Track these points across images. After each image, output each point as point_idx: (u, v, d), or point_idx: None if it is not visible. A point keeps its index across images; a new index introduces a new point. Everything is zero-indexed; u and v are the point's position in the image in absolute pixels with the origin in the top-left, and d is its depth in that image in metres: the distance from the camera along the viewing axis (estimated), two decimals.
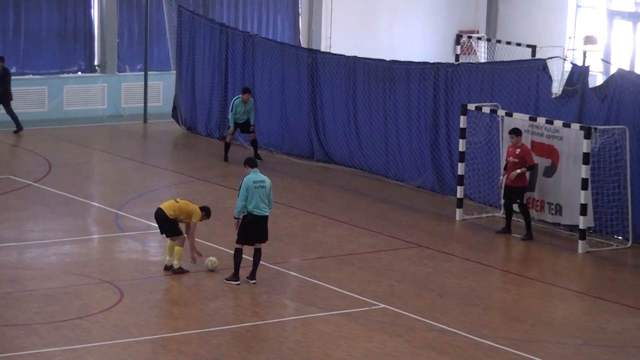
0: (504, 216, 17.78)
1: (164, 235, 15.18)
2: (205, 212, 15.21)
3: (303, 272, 15.47)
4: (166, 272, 15.06)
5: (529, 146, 17.77)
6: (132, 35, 26.83)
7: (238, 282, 14.55)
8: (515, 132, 17.41)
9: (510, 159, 17.37)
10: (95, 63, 26.63)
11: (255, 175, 14.53)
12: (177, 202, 15.16)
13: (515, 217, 17.69)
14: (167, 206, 15.00)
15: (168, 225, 14.97)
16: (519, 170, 17.16)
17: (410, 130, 20.57)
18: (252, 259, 14.70)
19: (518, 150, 17.28)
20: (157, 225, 15.16)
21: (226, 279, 14.61)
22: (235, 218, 14.62)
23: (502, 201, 17.93)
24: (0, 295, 14.02)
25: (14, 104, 24.48)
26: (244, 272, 14.75)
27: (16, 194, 19.01)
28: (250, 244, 14.59)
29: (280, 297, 14.53)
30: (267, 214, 14.53)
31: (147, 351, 12.46)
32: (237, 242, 14.62)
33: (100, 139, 24.24)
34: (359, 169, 21.45)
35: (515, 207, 17.52)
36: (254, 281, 14.64)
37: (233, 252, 14.71)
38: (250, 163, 14.82)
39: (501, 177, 17.63)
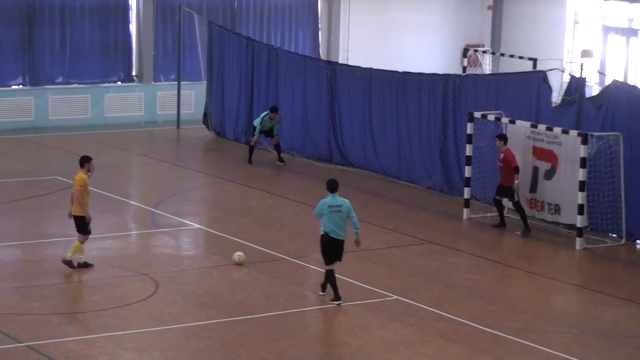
0: (497, 212, 17.76)
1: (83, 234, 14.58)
2: (82, 163, 14.37)
3: (323, 266, 15.40)
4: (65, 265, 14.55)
5: (530, 151, 17.71)
6: (167, 48, 26.86)
7: (339, 302, 13.58)
8: (501, 137, 17.44)
9: (498, 162, 17.47)
10: (133, 73, 26.68)
11: (332, 200, 13.53)
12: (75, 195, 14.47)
13: (513, 215, 17.66)
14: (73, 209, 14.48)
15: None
16: (516, 181, 17.26)
17: (421, 135, 20.50)
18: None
19: (502, 155, 17.34)
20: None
21: (331, 300, 13.65)
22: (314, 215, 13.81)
23: (493, 198, 17.92)
24: (48, 286, 14.06)
25: (60, 112, 24.55)
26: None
27: (62, 193, 19.04)
28: (333, 262, 13.65)
29: (302, 289, 14.50)
30: (342, 238, 13.53)
31: (180, 338, 12.45)
32: (325, 263, 13.72)
33: (138, 143, 24.27)
34: (373, 171, 21.39)
35: (510, 205, 17.52)
36: (323, 293, 13.88)
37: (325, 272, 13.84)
38: (330, 186, 13.62)
39: (516, 182, 17.46)
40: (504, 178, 17.43)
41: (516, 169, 17.35)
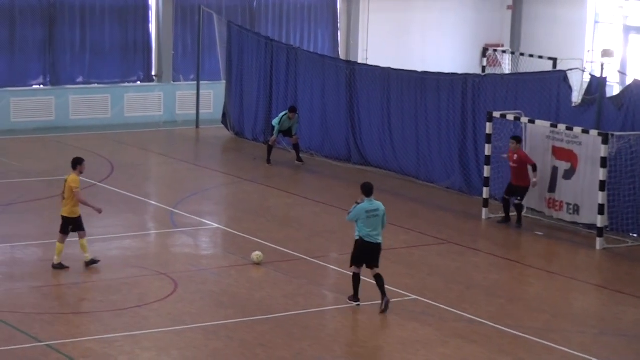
0: (503, 208, 17.85)
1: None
2: (74, 165, 14.59)
3: (341, 266, 15.40)
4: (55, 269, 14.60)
5: (550, 151, 17.64)
6: (186, 48, 26.92)
7: (358, 303, 13.44)
8: (516, 139, 17.47)
9: (511, 163, 17.48)
10: (153, 73, 26.75)
11: (368, 205, 13.23)
12: (64, 196, 14.63)
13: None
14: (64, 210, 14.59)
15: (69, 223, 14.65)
16: (535, 179, 17.36)
17: (440, 135, 20.44)
18: (371, 282, 13.58)
19: (515, 156, 17.36)
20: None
21: (348, 298, 13.54)
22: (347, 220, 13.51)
23: (502, 197, 18.00)
24: (68, 285, 14.11)
25: (81, 112, 24.69)
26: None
27: (83, 192, 19.06)
28: (360, 265, 13.42)
29: (320, 289, 14.49)
30: (379, 241, 13.32)
31: (199, 337, 12.46)
32: (351, 265, 13.46)
33: (157, 142, 24.33)
34: (392, 171, 21.35)
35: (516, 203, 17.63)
36: (357, 303, 13.54)
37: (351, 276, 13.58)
38: (366, 190, 13.33)
39: (504, 155, 17.77)
40: (517, 178, 17.48)
41: (535, 167, 17.31)
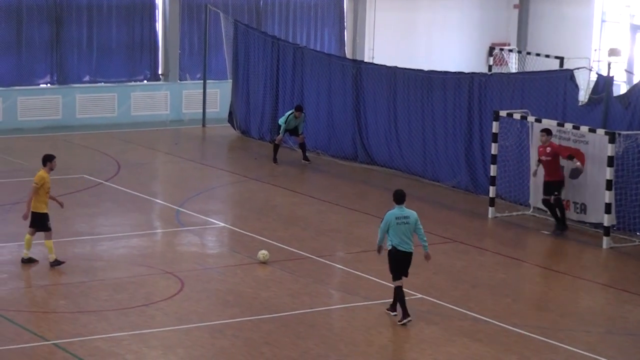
0: (551, 215, 17.29)
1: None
2: (44, 162, 14.62)
3: (347, 265, 15.43)
4: (24, 264, 14.65)
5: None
6: (193, 47, 26.95)
7: (409, 319, 12.87)
8: (547, 131, 17.19)
9: (543, 157, 17.21)
10: (159, 72, 26.79)
11: (399, 211, 12.86)
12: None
13: (542, 214, 17.55)
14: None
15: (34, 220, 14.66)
16: (578, 163, 16.92)
17: (446, 134, 20.43)
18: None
19: (548, 149, 17.12)
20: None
21: (399, 322, 12.91)
22: (378, 246, 13.09)
23: (542, 198, 17.42)
24: (75, 284, 14.13)
25: (87, 110, 24.76)
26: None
27: (89, 191, 19.17)
28: (401, 277, 12.97)
29: (326, 287, 14.49)
30: (411, 250, 12.90)
31: (206, 336, 12.48)
32: (393, 279, 13.04)
33: (164, 141, 24.36)
34: (398, 170, 21.35)
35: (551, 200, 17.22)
36: (394, 313, 13.14)
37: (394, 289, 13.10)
38: (397, 198, 12.95)
39: (536, 167, 17.43)
40: (550, 173, 17.06)
41: (570, 157, 17.00)
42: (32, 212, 14.66)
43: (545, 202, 17.41)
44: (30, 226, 14.76)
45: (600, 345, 12.64)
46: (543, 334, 12.85)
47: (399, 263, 12.93)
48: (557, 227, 17.23)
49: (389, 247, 12.95)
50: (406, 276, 13.07)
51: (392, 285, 13.10)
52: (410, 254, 12.98)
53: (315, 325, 12.92)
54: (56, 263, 14.69)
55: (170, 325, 12.74)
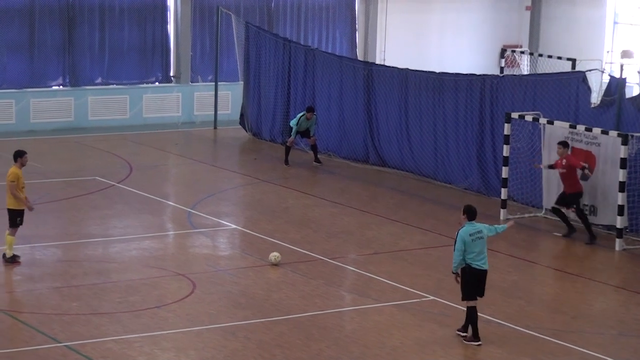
0: (561, 220, 17.25)
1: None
2: (15, 158, 14.72)
3: (359, 267, 15.43)
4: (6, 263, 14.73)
5: (569, 152, 17.56)
6: (204, 49, 27.01)
7: (479, 343, 12.38)
8: (563, 144, 17.08)
9: (560, 170, 17.08)
10: (171, 74, 26.85)
11: (471, 227, 12.39)
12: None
13: (555, 220, 17.51)
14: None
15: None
16: (586, 165, 16.92)
17: (457, 136, 20.41)
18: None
19: (564, 162, 17.02)
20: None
21: (466, 340, 12.47)
22: (453, 273, 12.53)
23: (551, 207, 17.43)
24: (88, 286, 14.18)
25: (99, 112, 24.85)
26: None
27: (102, 193, 19.22)
28: (475, 297, 12.40)
29: (338, 289, 14.50)
30: (486, 268, 12.42)
31: (217, 338, 12.50)
32: (464, 299, 12.48)
33: (179, 143, 24.38)
34: (410, 172, 21.34)
35: (573, 215, 17.09)
36: (464, 334, 12.58)
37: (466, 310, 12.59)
38: (469, 213, 12.48)
39: (542, 165, 17.56)
40: (568, 185, 16.90)
41: (583, 167, 16.93)
42: (13, 210, 14.71)
43: (554, 209, 17.34)
44: (10, 227, 14.78)
45: (613, 347, 12.61)
46: (556, 336, 12.83)
47: (474, 281, 12.37)
48: (569, 232, 17.12)
49: (463, 265, 12.40)
50: (481, 295, 12.48)
51: (464, 307, 12.53)
52: (485, 272, 12.42)
53: (326, 327, 12.93)
54: (11, 260, 14.71)
55: (182, 327, 12.76)
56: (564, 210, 17.16)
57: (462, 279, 12.47)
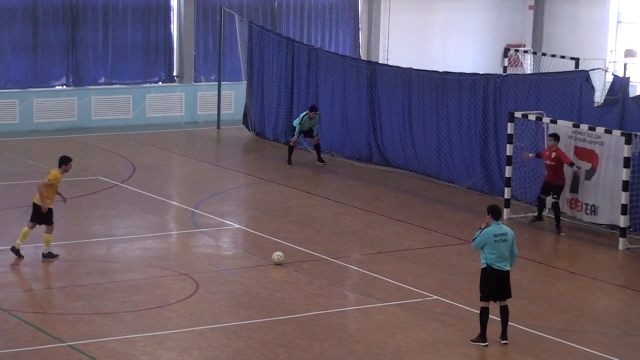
0: (537, 206, 17.70)
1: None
2: (60, 163, 14.99)
3: (362, 266, 15.43)
4: (18, 258, 14.89)
5: (572, 151, 17.57)
6: (207, 48, 27.01)
7: (486, 344, 12.32)
8: (554, 136, 17.29)
9: (547, 161, 17.32)
10: (174, 74, 26.86)
11: (496, 228, 12.26)
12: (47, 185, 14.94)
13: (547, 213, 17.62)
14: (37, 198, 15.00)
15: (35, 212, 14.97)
16: (576, 168, 17.19)
17: (461, 135, 20.39)
18: (498, 318, 12.53)
19: (554, 154, 17.18)
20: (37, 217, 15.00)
21: (472, 340, 12.41)
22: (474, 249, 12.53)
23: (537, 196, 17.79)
24: (91, 286, 14.18)
25: (103, 112, 24.87)
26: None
27: (105, 193, 19.23)
28: (493, 300, 12.36)
29: (341, 289, 14.49)
30: (508, 269, 12.31)
31: (220, 337, 12.50)
32: (481, 299, 12.43)
33: (179, 143, 24.41)
34: (413, 171, 21.33)
35: (548, 203, 17.44)
36: (504, 341, 12.41)
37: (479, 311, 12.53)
38: (494, 213, 12.35)
39: (530, 154, 17.72)
40: (553, 176, 17.30)
41: (572, 164, 17.19)
42: (38, 206, 14.91)
43: (539, 199, 17.60)
44: (31, 220, 15.01)
45: (616, 347, 12.60)
46: (559, 335, 12.81)
47: (493, 282, 12.28)
48: (536, 219, 17.63)
49: (484, 265, 12.32)
50: (506, 297, 12.35)
51: (477, 308, 12.47)
52: (507, 272, 12.33)
53: (330, 327, 12.92)
54: (50, 255, 14.91)
55: (185, 327, 12.76)
56: (546, 199, 17.45)
57: (482, 280, 12.39)
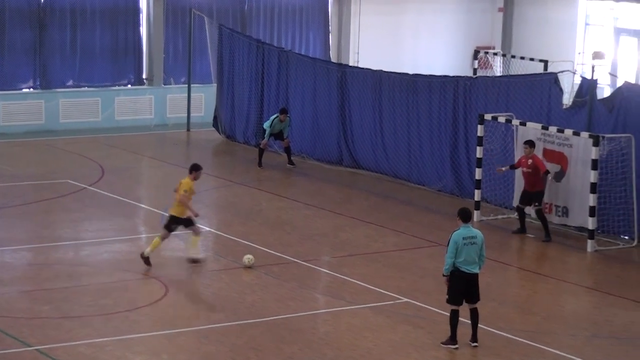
0: (518, 218, 17.63)
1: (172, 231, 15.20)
2: (191, 170, 15.22)
3: (333, 269, 15.42)
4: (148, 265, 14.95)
5: (541, 153, 17.65)
6: (177, 51, 26.89)
7: (456, 346, 12.34)
8: (529, 143, 17.25)
9: (524, 169, 17.25)
10: (144, 76, 26.72)
11: (465, 231, 12.28)
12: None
13: (529, 219, 17.57)
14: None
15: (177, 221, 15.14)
16: (550, 177, 17.15)
17: (431, 138, 20.45)
18: (469, 321, 12.53)
19: (530, 161, 17.15)
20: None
21: (443, 343, 12.42)
22: (444, 275, 12.40)
23: (516, 205, 17.76)
24: (59, 290, 14.07)
25: (71, 115, 24.64)
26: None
27: (73, 196, 19.09)
28: (459, 303, 12.36)
29: (312, 292, 14.48)
30: (476, 272, 12.30)
31: (190, 341, 12.44)
32: (448, 302, 12.43)
33: (148, 146, 24.28)
34: (384, 174, 21.36)
35: (532, 211, 17.37)
36: (475, 344, 12.44)
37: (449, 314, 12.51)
38: (464, 216, 12.36)
39: (503, 168, 17.65)
40: (531, 184, 17.15)
41: (547, 172, 17.15)
42: (177, 218, 15.02)
43: (518, 209, 17.47)
44: (165, 227, 15.12)
45: (586, 349, 12.67)
46: (529, 338, 12.87)
47: (461, 285, 12.27)
48: (521, 230, 17.38)
49: (452, 268, 12.30)
50: (475, 300, 12.37)
51: (447, 311, 12.41)
52: (476, 275, 12.31)
53: (300, 330, 12.90)
54: (194, 261, 15.08)
55: (154, 331, 12.69)
56: (526, 209, 17.29)
57: (450, 283, 12.40)
